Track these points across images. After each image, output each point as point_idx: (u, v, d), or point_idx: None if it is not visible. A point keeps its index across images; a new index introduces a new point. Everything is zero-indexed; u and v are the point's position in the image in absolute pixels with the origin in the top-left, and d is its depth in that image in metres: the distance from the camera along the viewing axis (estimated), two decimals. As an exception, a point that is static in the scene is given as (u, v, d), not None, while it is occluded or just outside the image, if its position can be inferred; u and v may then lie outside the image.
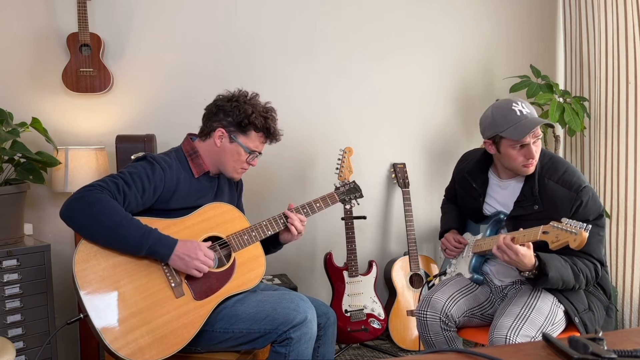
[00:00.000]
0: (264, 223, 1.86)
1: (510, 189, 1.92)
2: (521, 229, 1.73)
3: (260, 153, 1.88)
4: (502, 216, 1.91)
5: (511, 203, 1.88)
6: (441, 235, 2.16)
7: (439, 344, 1.86)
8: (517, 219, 1.84)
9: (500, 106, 1.84)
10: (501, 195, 1.94)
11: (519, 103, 1.81)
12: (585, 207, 1.77)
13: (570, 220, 1.57)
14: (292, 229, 1.87)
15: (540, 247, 1.73)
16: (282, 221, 1.89)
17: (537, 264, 1.69)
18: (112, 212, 1.57)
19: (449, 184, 2.26)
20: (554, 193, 1.80)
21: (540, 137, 1.81)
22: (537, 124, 1.75)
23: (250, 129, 1.81)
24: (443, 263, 2.19)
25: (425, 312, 1.86)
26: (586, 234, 1.50)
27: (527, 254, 1.65)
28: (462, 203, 2.10)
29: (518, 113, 1.78)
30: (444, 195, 2.32)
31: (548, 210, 1.78)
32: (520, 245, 1.66)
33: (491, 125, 1.84)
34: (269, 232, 1.86)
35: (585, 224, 1.53)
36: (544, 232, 1.61)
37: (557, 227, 1.58)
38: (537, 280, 1.72)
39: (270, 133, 1.86)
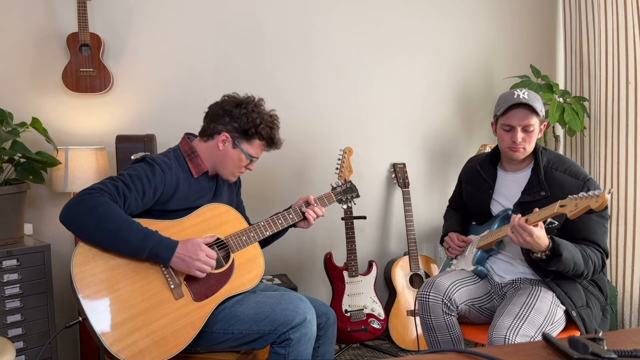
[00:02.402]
0: (262, 223, 1.86)
1: (516, 181, 1.96)
2: (536, 209, 1.73)
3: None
4: (510, 212, 1.93)
5: (517, 196, 1.93)
6: (442, 239, 2.17)
7: (439, 328, 1.85)
8: (526, 206, 1.88)
9: (507, 92, 1.95)
10: (508, 189, 1.98)
11: (523, 90, 1.88)
12: None
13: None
14: (310, 219, 1.92)
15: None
16: (279, 221, 1.89)
17: (550, 245, 1.71)
18: (112, 216, 1.56)
19: (453, 191, 2.29)
20: (562, 181, 1.86)
21: (532, 129, 1.86)
22: (518, 102, 1.82)
23: (255, 137, 1.83)
24: (442, 266, 2.19)
25: (428, 293, 1.86)
26: (608, 196, 1.52)
27: (541, 235, 1.69)
28: (470, 202, 2.12)
29: (515, 96, 1.86)
30: (448, 205, 2.34)
31: (555, 197, 1.80)
32: (533, 226, 1.69)
33: (495, 107, 1.96)
34: (267, 233, 1.86)
35: (606, 188, 1.55)
36: (561, 206, 1.63)
37: (574, 197, 1.60)
38: (550, 261, 1.74)
39: (273, 142, 1.88)
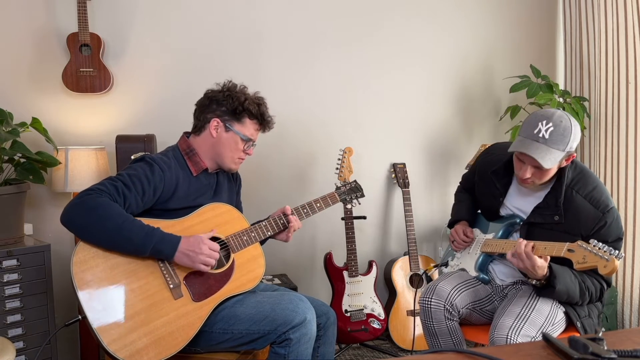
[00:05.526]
0: (264, 223, 1.86)
1: (531, 195, 1.85)
2: (547, 243, 1.66)
3: (254, 142, 1.89)
4: (517, 220, 1.87)
5: (529, 209, 1.83)
6: (451, 224, 2.12)
7: (442, 334, 1.85)
8: (533, 226, 1.80)
9: (536, 114, 1.73)
10: (521, 201, 1.89)
11: (549, 125, 1.65)
12: (607, 228, 1.71)
13: (599, 242, 1.52)
14: (292, 230, 1.90)
15: (554, 258, 1.68)
16: (281, 222, 1.89)
17: (547, 275, 1.67)
18: (113, 215, 1.56)
19: (468, 172, 2.19)
20: (580, 208, 1.72)
21: (544, 169, 1.67)
22: (523, 149, 1.66)
23: (245, 116, 1.82)
24: (445, 254, 2.17)
25: (430, 300, 1.86)
26: (618, 263, 1.46)
27: (543, 266, 1.63)
28: (480, 198, 2.05)
29: (535, 131, 1.67)
30: (460, 183, 2.24)
31: (568, 224, 1.72)
32: (538, 256, 1.62)
33: (522, 124, 1.77)
34: (269, 233, 1.86)
35: (617, 251, 1.49)
36: (569, 250, 1.57)
37: (585, 247, 1.52)
38: (543, 289, 1.71)
39: (264, 120, 1.87)
